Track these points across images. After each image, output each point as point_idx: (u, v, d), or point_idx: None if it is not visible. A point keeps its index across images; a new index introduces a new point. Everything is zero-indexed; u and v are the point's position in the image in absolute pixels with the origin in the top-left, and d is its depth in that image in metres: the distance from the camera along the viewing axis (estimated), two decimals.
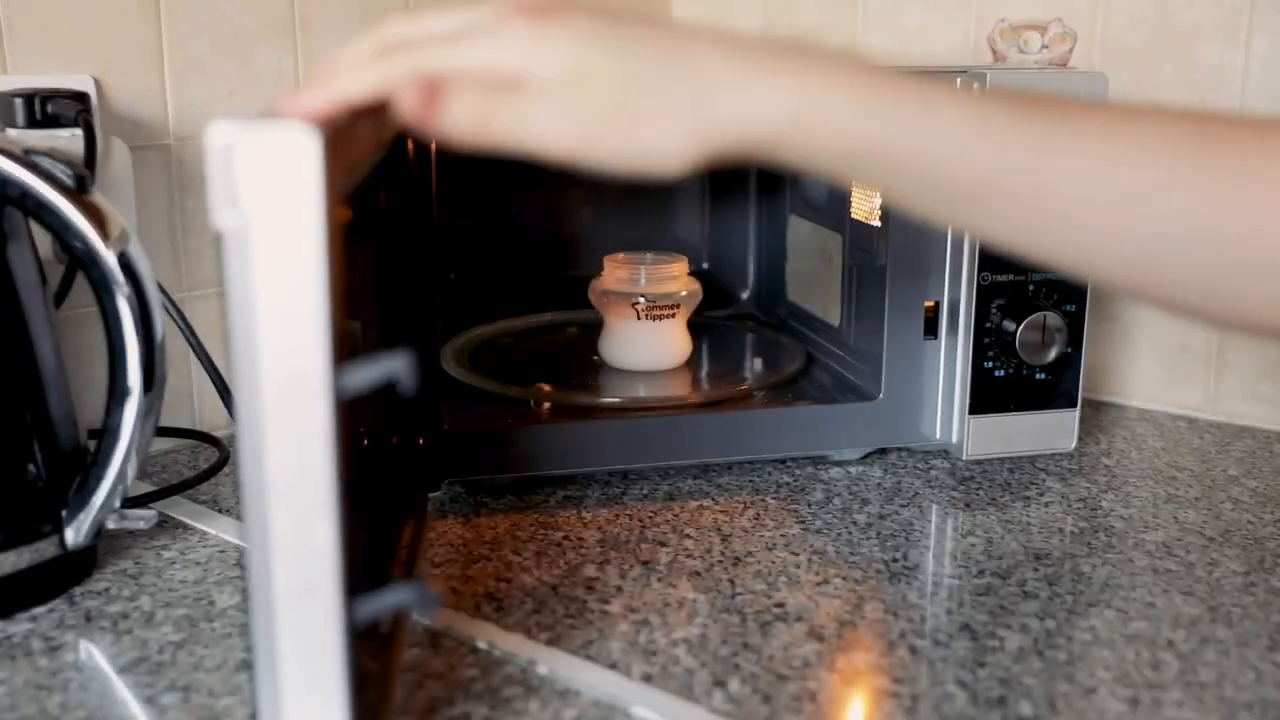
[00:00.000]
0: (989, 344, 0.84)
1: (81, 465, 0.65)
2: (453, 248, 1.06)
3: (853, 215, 0.90)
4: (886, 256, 0.84)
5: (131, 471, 0.64)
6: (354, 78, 0.46)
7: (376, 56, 0.47)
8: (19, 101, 0.75)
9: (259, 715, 0.44)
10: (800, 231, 1.03)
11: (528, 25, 0.46)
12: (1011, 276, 0.83)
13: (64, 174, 0.62)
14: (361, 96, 0.46)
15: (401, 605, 0.48)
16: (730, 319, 1.10)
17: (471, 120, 0.47)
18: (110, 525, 0.66)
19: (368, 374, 0.43)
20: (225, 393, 0.83)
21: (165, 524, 0.75)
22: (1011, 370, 0.85)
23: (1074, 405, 0.87)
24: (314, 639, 0.43)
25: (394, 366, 0.44)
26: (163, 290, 0.71)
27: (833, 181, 0.78)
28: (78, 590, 0.67)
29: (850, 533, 0.76)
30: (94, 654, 0.61)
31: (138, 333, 0.62)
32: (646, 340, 0.94)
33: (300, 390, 0.41)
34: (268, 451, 0.41)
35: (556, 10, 0.47)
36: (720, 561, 0.71)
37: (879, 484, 0.84)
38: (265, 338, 0.40)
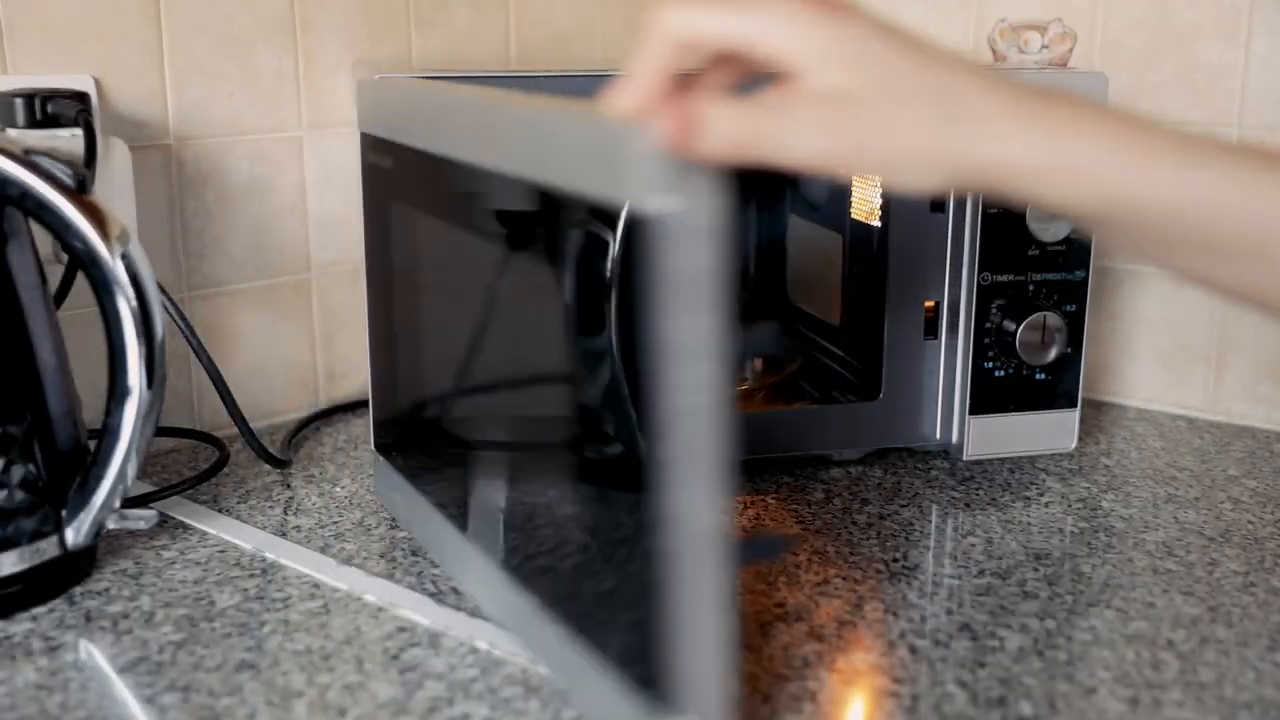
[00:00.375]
0: (989, 344, 0.84)
1: (81, 465, 0.65)
2: None
3: (853, 215, 0.90)
4: (886, 256, 0.84)
5: (131, 471, 0.64)
6: (651, 54, 0.48)
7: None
8: (19, 101, 0.75)
9: (661, 661, 0.48)
10: (800, 231, 1.03)
11: (811, 15, 0.46)
12: (1011, 276, 0.83)
13: (64, 174, 0.62)
14: (666, 68, 0.48)
15: (767, 554, 0.53)
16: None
17: (733, 139, 0.46)
18: (110, 525, 0.66)
19: (746, 343, 0.46)
20: (225, 392, 0.83)
21: (165, 524, 0.75)
22: (1011, 370, 0.85)
23: (1074, 405, 0.87)
24: (706, 589, 0.48)
25: (765, 336, 0.47)
26: (163, 290, 0.71)
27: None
28: (78, 590, 0.67)
29: (850, 533, 0.76)
30: (94, 654, 0.61)
31: (138, 333, 0.62)
32: None
33: (701, 359, 0.47)
34: (683, 420, 0.48)
35: (840, 8, 0.47)
36: None
37: (879, 484, 0.84)
38: (682, 318, 0.47)
